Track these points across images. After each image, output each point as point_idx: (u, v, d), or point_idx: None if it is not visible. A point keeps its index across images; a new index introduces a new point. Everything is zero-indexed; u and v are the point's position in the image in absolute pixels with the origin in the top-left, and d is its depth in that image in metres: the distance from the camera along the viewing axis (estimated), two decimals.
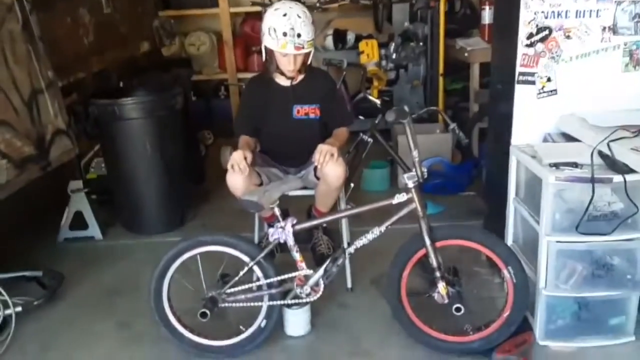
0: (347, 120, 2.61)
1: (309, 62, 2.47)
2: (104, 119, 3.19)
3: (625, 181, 1.98)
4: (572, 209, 2.07)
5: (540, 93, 2.36)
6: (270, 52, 2.40)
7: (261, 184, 2.42)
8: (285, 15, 2.30)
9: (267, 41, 2.35)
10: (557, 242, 2.10)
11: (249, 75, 4.73)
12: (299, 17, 2.31)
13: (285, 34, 2.29)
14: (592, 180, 1.99)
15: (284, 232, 2.18)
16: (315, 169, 2.41)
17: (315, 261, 2.62)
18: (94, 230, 3.33)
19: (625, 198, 2.01)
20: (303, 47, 2.32)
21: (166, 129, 3.29)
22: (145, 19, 4.89)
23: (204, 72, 5.35)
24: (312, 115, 2.54)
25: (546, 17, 2.27)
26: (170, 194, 3.40)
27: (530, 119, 2.38)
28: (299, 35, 2.30)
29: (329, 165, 2.28)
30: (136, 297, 2.64)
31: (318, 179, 2.44)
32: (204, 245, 2.22)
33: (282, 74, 2.47)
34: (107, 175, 3.48)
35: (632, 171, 1.99)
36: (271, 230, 2.23)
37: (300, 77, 2.51)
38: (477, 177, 3.70)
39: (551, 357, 2.20)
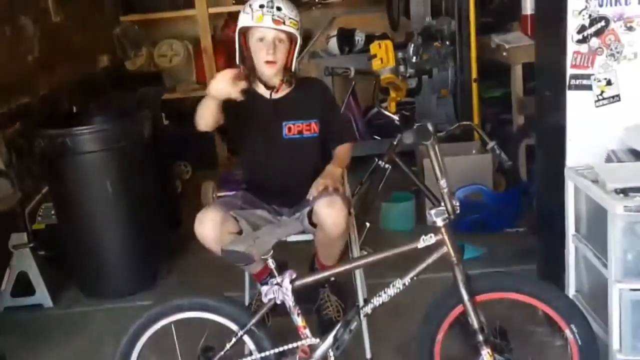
0: (348, 134, 2.64)
1: (294, 67, 2.50)
2: (53, 153, 3.21)
3: None
4: None
5: (599, 100, 2.36)
6: (246, 47, 2.45)
7: (240, 233, 2.39)
8: None
9: (241, 20, 2.43)
10: (632, 290, 2.07)
11: None
12: None
13: (262, 6, 2.39)
14: None
15: (280, 290, 2.15)
16: (311, 213, 2.39)
17: (321, 327, 2.59)
18: (42, 295, 3.31)
19: None
20: (284, 23, 2.39)
21: (132, 164, 3.31)
22: (103, 27, 4.98)
23: (179, 88, 5.44)
24: (307, 134, 2.56)
25: (601, 5, 2.27)
26: (138, 245, 3.40)
27: (589, 134, 2.38)
28: (278, 9, 2.39)
29: (324, 209, 2.28)
30: None
31: (314, 226, 2.42)
32: (180, 311, 2.20)
33: (262, 81, 2.51)
34: (58, 225, 3.49)
35: None
36: (265, 288, 2.20)
37: (287, 90, 2.54)
38: (526, 209, 3.67)
39: None
